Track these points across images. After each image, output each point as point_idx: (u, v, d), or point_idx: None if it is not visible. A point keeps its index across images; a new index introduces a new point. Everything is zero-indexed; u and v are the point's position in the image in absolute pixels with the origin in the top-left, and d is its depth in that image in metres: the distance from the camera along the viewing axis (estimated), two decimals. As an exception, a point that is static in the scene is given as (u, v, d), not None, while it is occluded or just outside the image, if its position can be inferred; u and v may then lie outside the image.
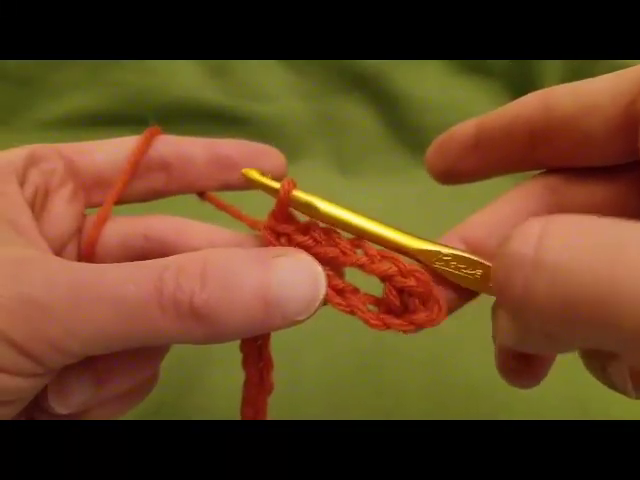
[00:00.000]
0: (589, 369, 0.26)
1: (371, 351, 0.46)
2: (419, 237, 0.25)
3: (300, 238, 0.24)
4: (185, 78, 0.71)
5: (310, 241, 0.24)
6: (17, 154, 0.27)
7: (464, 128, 0.27)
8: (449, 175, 0.28)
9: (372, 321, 0.24)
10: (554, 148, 0.25)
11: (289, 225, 0.25)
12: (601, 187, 0.25)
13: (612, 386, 0.25)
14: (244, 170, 0.26)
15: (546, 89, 0.25)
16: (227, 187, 0.31)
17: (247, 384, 0.27)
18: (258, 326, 0.22)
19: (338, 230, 0.25)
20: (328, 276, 0.24)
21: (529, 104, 0.25)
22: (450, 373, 0.45)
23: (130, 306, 0.21)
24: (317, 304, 0.23)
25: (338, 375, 0.45)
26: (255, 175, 0.26)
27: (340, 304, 0.24)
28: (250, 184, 0.26)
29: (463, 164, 0.27)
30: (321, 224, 0.25)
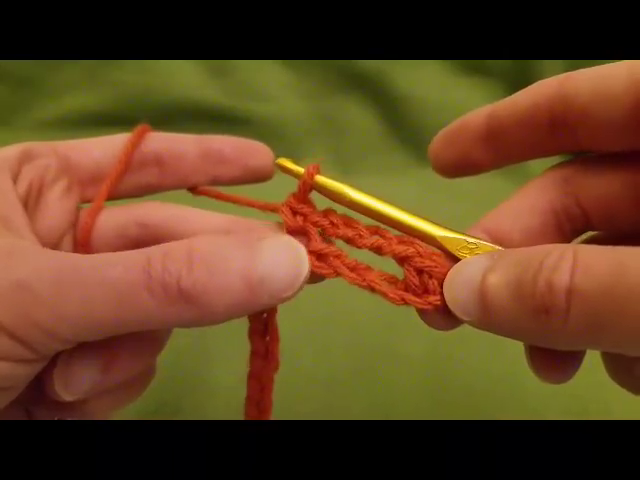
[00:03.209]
0: (614, 374, 0.26)
1: (367, 349, 0.46)
2: (444, 226, 0.25)
3: (317, 217, 0.25)
4: (185, 78, 0.72)
5: (327, 222, 0.25)
6: (11, 150, 0.27)
7: (475, 118, 0.27)
8: (458, 167, 0.28)
9: (390, 294, 0.24)
10: (573, 134, 0.24)
11: (308, 207, 0.26)
12: (616, 176, 0.25)
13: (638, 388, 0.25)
14: (279, 160, 0.27)
15: (563, 75, 0.25)
16: (218, 182, 0.31)
17: (253, 356, 0.27)
18: (245, 306, 0.22)
19: (356, 219, 0.25)
20: (340, 255, 0.24)
21: (547, 92, 0.25)
22: (448, 372, 0.45)
23: (118, 289, 0.21)
24: (301, 280, 0.23)
25: (333, 374, 0.45)
26: (285, 162, 0.27)
27: (356, 279, 0.24)
28: (280, 169, 0.27)
29: (474, 155, 0.27)
30: (338, 212, 0.25)
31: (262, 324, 0.26)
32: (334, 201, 0.25)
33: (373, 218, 0.25)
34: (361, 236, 0.25)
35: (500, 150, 0.26)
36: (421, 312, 0.24)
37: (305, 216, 0.25)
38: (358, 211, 0.25)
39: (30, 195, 0.27)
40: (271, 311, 0.26)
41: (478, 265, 0.22)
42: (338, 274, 0.24)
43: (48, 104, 0.73)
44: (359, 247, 0.25)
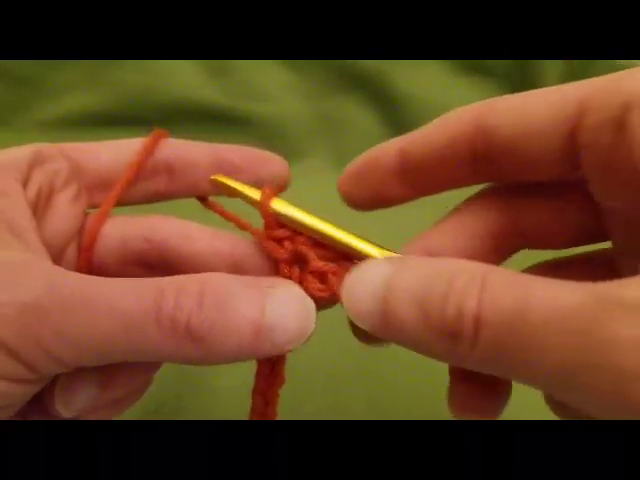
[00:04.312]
0: (552, 408, 0.26)
1: (367, 351, 0.46)
2: (389, 248, 0.25)
3: (302, 239, 0.25)
4: (185, 78, 0.72)
5: (310, 243, 0.25)
6: (22, 153, 0.26)
7: (385, 154, 0.26)
8: (372, 202, 0.27)
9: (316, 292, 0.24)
10: (496, 166, 0.24)
11: (285, 229, 0.25)
12: (547, 204, 0.25)
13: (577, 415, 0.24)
14: (214, 177, 0.27)
15: (479, 105, 0.24)
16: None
17: (258, 375, 0.26)
18: (247, 351, 0.22)
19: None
20: (336, 272, 0.24)
21: (464, 126, 0.24)
22: (447, 372, 0.45)
23: (127, 318, 0.21)
24: (307, 335, 0.23)
25: (333, 374, 0.45)
26: (230, 182, 0.26)
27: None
28: (223, 191, 0.27)
29: (388, 190, 0.26)
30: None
31: (270, 366, 0.26)
32: (288, 224, 0.25)
33: (316, 236, 0.25)
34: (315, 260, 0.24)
35: (417, 184, 0.26)
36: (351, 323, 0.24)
37: (291, 239, 0.25)
38: (304, 231, 0.25)
39: (39, 200, 0.27)
40: (279, 358, 0.26)
41: (379, 270, 0.21)
42: (335, 295, 0.24)
43: (48, 104, 0.73)
44: (307, 265, 0.25)
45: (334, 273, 0.24)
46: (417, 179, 0.25)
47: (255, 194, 0.25)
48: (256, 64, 0.72)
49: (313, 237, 0.25)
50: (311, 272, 0.24)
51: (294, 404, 0.43)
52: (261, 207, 0.25)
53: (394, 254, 0.25)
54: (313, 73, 0.73)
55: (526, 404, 0.42)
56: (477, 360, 0.19)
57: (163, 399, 0.43)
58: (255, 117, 0.72)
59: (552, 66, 0.70)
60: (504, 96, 0.24)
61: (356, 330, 0.25)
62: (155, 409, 0.42)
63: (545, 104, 0.22)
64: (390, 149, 0.26)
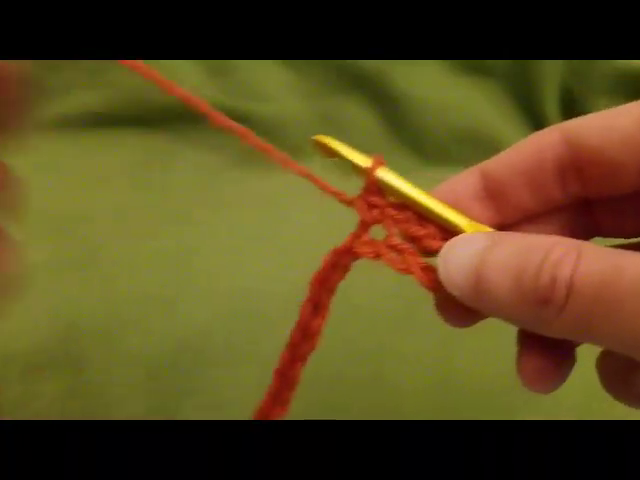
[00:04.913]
0: (608, 387, 0.26)
1: (370, 349, 0.46)
2: (476, 221, 0.25)
3: (392, 211, 0.25)
4: (185, 78, 0.71)
5: (403, 217, 0.25)
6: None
7: (463, 180, 0.26)
8: None
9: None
10: (583, 182, 0.24)
11: (380, 198, 0.26)
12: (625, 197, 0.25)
13: (637, 400, 0.25)
14: (316, 137, 0.28)
15: (563, 123, 0.25)
16: None
17: (295, 329, 0.27)
18: None
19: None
20: (413, 253, 0.25)
21: (550, 140, 0.24)
22: (451, 371, 0.45)
23: None
24: None
25: (334, 373, 0.45)
26: (334, 144, 0.27)
27: (424, 280, 0.24)
28: (324, 152, 0.27)
29: (470, 216, 0.26)
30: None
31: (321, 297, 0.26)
32: (390, 195, 0.26)
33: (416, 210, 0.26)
34: (431, 237, 0.25)
35: (501, 207, 0.26)
36: (435, 299, 0.25)
37: (381, 209, 0.26)
38: (406, 202, 0.26)
39: None
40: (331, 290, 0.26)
41: (477, 242, 0.22)
42: (410, 272, 0.24)
43: (48, 104, 0.73)
44: (426, 249, 0.25)
45: (411, 253, 0.25)
46: (502, 201, 0.26)
47: (361, 159, 0.26)
48: (256, 64, 0.72)
49: (409, 215, 0.25)
50: (388, 245, 0.25)
51: (295, 404, 0.43)
52: (368, 171, 0.25)
53: (491, 229, 0.25)
54: (313, 73, 0.73)
55: (531, 406, 0.43)
56: (562, 325, 0.20)
57: (163, 399, 0.43)
58: (255, 117, 0.72)
59: (552, 66, 0.70)
60: (584, 116, 0.24)
61: (442, 310, 0.25)
62: (155, 409, 0.42)
63: (628, 109, 0.23)
64: (470, 173, 0.26)
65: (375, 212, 0.25)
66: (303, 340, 0.26)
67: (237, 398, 0.44)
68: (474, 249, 0.22)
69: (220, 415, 0.42)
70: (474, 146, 0.78)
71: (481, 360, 0.45)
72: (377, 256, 0.24)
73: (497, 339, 0.51)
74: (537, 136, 0.25)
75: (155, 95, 0.74)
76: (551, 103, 0.73)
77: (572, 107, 0.72)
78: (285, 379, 0.27)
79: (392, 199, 0.26)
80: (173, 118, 0.71)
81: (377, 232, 0.26)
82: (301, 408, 0.45)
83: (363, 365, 0.46)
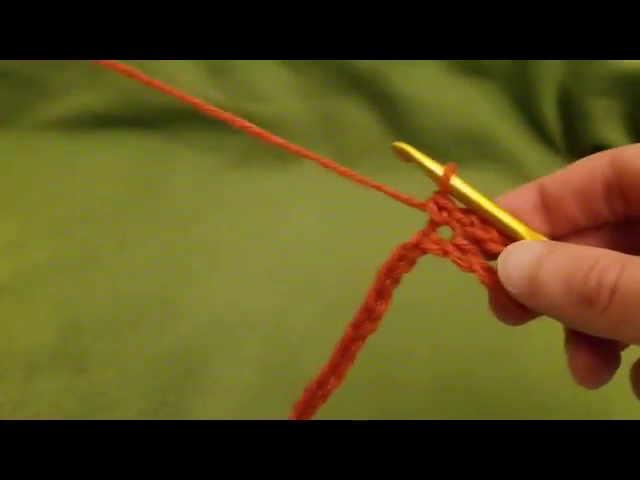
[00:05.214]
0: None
1: (369, 350, 0.46)
2: (534, 231, 0.28)
3: (459, 214, 0.28)
4: (185, 78, 0.72)
5: (468, 221, 0.28)
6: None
7: (524, 192, 0.29)
8: None
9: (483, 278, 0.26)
10: (626, 201, 0.27)
11: (449, 202, 0.28)
12: None
13: None
14: (397, 143, 0.29)
15: (615, 149, 0.27)
16: None
17: (361, 310, 0.28)
18: None
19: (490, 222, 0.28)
20: (476, 254, 0.27)
21: (601, 162, 0.27)
22: (452, 372, 0.45)
23: None
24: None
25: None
26: (413, 151, 0.29)
27: (485, 279, 0.26)
28: (403, 157, 0.29)
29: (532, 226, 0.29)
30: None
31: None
32: (458, 200, 0.28)
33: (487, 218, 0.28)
34: (494, 241, 0.27)
35: (554, 220, 0.29)
36: (491, 294, 0.27)
37: (449, 212, 0.28)
38: (472, 207, 0.28)
39: None
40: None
41: (534, 249, 0.25)
42: (473, 271, 0.26)
43: (49, 104, 0.73)
44: (487, 251, 0.27)
45: (474, 254, 0.27)
46: (555, 214, 0.28)
47: (435, 166, 0.28)
48: (256, 64, 0.73)
49: (474, 219, 0.28)
50: (454, 244, 0.27)
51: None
52: (442, 177, 0.27)
53: (546, 239, 0.28)
54: (313, 73, 0.73)
55: (530, 405, 0.43)
56: (604, 325, 0.22)
57: (163, 399, 0.43)
58: (255, 117, 0.72)
59: (550, 67, 0.70)
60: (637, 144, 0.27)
61: (497, 308, 0.27)
62: (155, 409, 0.42)
63: None
64: (528, 187, 0.29)
65: (444, 214, 0.28)
66: (366, 322, 0.28)
67: (237, 398, 0.44)
68: (532, 254, 0.24)
69: (220, 415, 0.43)
70: (472, 146, 0.79)
71: (482, 361, 0.45)
72: (444, 253, 0.27)
73: (500, 340, 0.52)
74: (591, 158, 0.28)
75: (155, 96, 0.74)
76: (549, 104, 0.73)
77: (570, 108, 0.73)
78: (345, 353, 0.29)
79: (460, 204, 0.28)
80: (173, 119, 0.72)
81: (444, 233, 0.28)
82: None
83: (362, 366, 0.46)
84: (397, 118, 0.73)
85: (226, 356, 0.46)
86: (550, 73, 0.70)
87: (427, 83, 0.72)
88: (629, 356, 0.27)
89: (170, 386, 0.44)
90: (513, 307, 0.25)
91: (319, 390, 0.28)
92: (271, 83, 0.73)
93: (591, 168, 0.28)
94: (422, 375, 0.45)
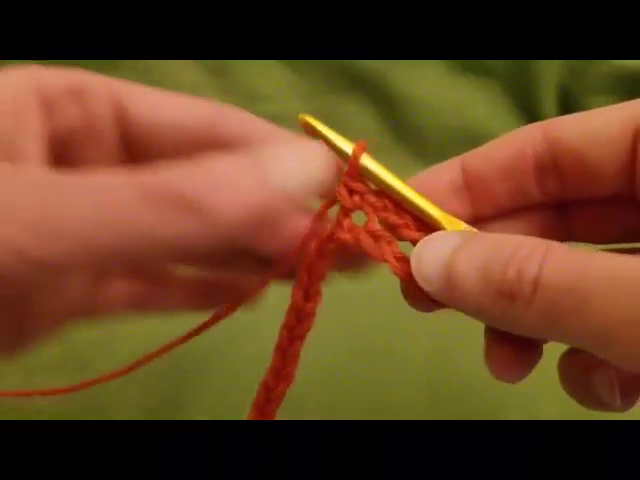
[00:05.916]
0: (569, 388, 0.26)
1: (364, 349, 0.46)
2: (455, 218, 0.25)
3: (372, 198, 0.25)
4: (185, 78, 0.71)
5: (381, 205, 0.25)
6: (57, 78, 0.24)
7: (443, 171, 0.26)
8: None
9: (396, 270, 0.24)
10: (559, 181, 0.24)
11: (361, 184, 0.25)
12: (600, 205, 0.25)
13: (595, 401, 0.25)
14: (303, 115, 0.27)
15: (546, 121, 0.24)
16: None
17: (289, 311, 0.27)
18: (254, 207, 0.21)
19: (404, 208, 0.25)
20: (391, 242, 0.24)
21: (531, 137, 0.24)
22: (447, 371, 0.45)
23: (110, 206, 0.19)
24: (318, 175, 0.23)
25: (332, 374, 0.45)
26: (320, 125, 0.27)
27: (398, 270, 0.24)
28: (309, 133, 0.27)
29: (445, 209, 0.26)
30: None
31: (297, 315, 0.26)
32: (369, 181, 0.25)
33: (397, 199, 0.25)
34: (408, 228, 0.25)
35: (477, 201, 0.26)
36: (403, 283, 0.24)
37: (361, 195, 0.25)
38: (383, 190, 0.25)
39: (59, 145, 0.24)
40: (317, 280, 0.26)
41: (450, 241, 0.22)
42: (385, 261, 0.24)
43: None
44: (401, 238, 0.25)
45: (388, 242, 0.24)
46: (478, 194, 0.25)
47: (345, 143, 0.26)
48: (256, 64, 0.72)
49: (387, 203, 0.25)
50: (367, 231, 0.24)
51: (294, 404, 0.43)
52: (351, 156, 0.25)
53: (469, 228, 0.25)
54: (313, 73, 0.73)
55: (524, 404, 0.43)
56: (529, 322, 0.20)
57: (163, 399, 0.43)
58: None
59: (552, 66, 0.70)
60: (567, 115, 0.24)
61: (409, 298, 0.25)
62: (155, 409, 0.42)
63: (611, 114, 0.23)
64: (450, 164, 0.26)
65: (356, 198, 0.25)
66: (298, 322, 0.26)
67: (237, 398, 0.44)
68: (446, 249, 0.22)
69: (220, 415, 0.43)
70: (473, 146, 0.78)
71: (477, 360, 0.45)
72: (356, 242, 0.24)
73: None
74: (519, 132, 0.25)
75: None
76: (549, 103, 0.73)
77: (570, 107, 0.72)
78: (285, 355, 0.27)
79: (373, 186, 0.25)
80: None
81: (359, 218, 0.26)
82: (300, 408, 0.45)
83: (358, 366, 0.46)
84: (397, 117, 0.73)
85: (226, 356, 0.46)
86: (550, 73, 0.70)
87: (427, 83, 0.72)
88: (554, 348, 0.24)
89: (169, 386, 0.44)
90: (428, 301, 0.23)
91: (269, 394, 0.26)
92: (271, 83, 0.73)
93: (520, 142, 0.25)
94: (417, 375, 0.45)
